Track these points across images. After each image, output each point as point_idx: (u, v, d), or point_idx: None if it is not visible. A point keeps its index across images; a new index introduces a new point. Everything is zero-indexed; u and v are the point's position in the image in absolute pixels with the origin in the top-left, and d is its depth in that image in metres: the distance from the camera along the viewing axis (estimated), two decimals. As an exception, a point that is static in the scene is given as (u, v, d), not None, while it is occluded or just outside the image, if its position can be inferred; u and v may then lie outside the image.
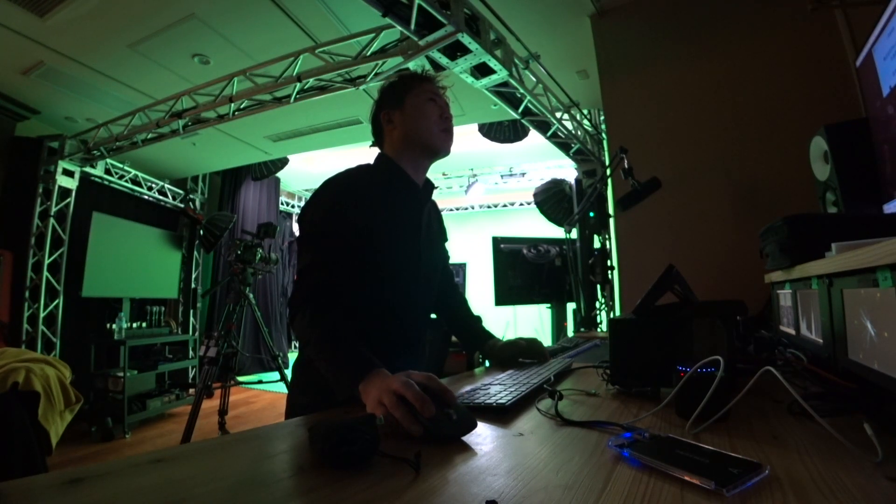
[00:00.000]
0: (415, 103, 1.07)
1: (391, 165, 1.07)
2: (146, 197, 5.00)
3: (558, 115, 3.30)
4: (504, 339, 1.23)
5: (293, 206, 8.01)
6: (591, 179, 3.78)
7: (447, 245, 1.28)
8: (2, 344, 3.31)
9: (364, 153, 5.89)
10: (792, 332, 1.07)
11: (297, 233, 8.27)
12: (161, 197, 5.17)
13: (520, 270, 3.24)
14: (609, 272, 3.39)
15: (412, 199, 1.08)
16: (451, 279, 1.32)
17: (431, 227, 1.15)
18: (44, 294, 3.76)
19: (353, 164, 1.08)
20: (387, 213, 1.01)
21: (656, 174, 2.00)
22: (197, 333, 5.32)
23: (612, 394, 0.84)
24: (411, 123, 1.06)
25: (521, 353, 1.19)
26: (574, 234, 3.05)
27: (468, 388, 0.84)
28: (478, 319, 1.29)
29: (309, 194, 8.10)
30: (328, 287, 0.91)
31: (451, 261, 1.35)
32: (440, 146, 1.08)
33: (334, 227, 0.95)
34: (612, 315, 3.37)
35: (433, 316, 1.23)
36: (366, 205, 0.97)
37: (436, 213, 1.21)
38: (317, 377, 0.85)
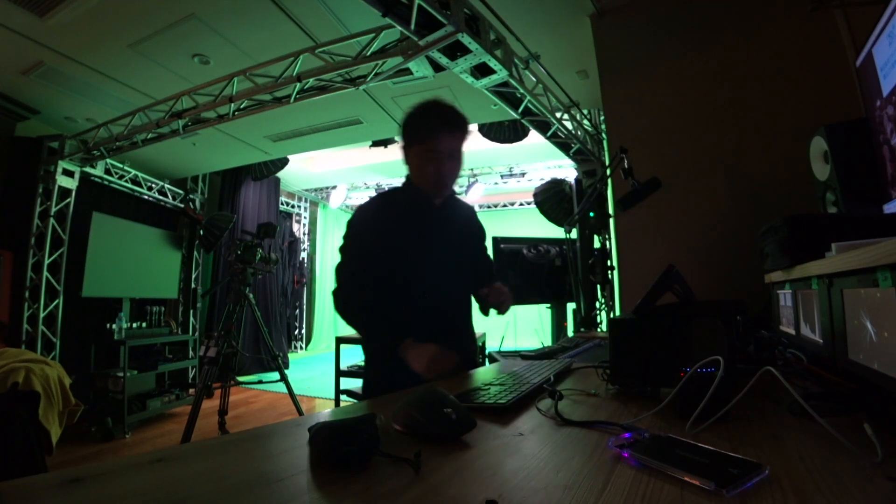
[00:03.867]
0: (415, 160, 1.25)
1: (408, 188, 1.31)
2: (146, 197, 5.00)
3: (558, 115, 3.30)
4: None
5: (293, 206, 8.01)
6: (591, 179, 3.78)
7: (482, 242, 1.49)
8: (2, 344, 3.31)
9: (364, 153, 5.90)
10: (792, 332, 1.07)
11: (296, 234, 8.26)
12: (161, 197, 5.16)
13: (520, 270, 3.23)
14: (609, 272, 3.39)
15: (426, 211, 1.30)
16: (487, 272, 1.46)
17: (456, 231, 1.35)
18: (44, 294, 3.75)
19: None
20: (404, 226, 1.25)
21: (656, 174, 2.00)
22: (197, 333, 5.32)
23: (612, 394, 0.84)
24: (414, 172, 1.28)
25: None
26: (574, 234, 3.05)
27: (468, 387, 0.84)
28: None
29: (309, 194, 8.13)
30: (357, 284, 1.22)
31: None
32: (436, 194, 1.29)
33: (360, 240, 1.23)
34: (612, 315, 3.37)
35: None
36: (386, 220, 1.25)
37: (466, 219, 1.41)
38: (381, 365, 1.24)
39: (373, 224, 1.25)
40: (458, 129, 1.23)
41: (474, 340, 1.46)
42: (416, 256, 1.25)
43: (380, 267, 1.22)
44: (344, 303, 1.23)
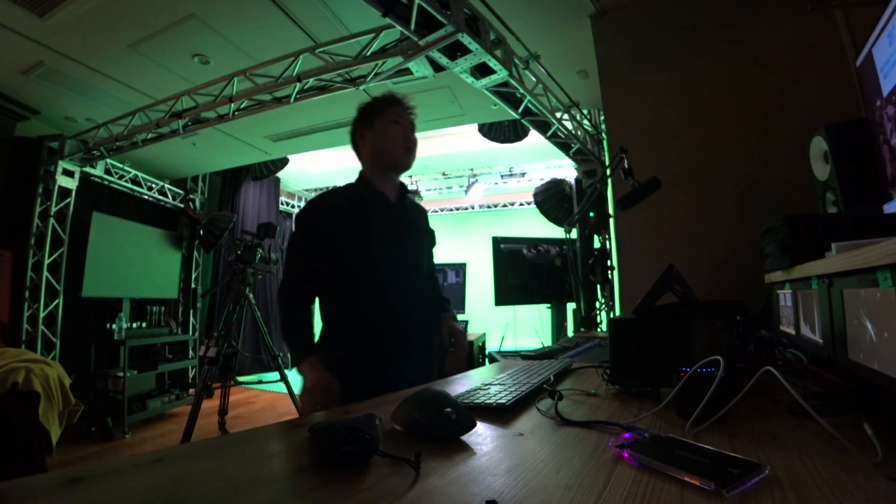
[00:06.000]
0: (382, 125, 1.27)
1: (362, 181, 1.30)
2: (146, 197, 5.00)
3: (558, 115, 3.30)
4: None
5: (293, 206, 8.00)
6: (591, 179, 3.78)
7: (433, 244, 1.46)
8: (2, 344, 3.31)
9: (364, 153, 5.90)
10: (792, 332, 1.07)
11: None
12: (161, 197, 5.16)
13: (520, 270, 3.23)
14: (609, 272, 3.39)
15: (382, 207, 1.28)
16: (433, 279, 1.48)
17: (410, 227, 1.34)
18: (44, 294, 3.75)
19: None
20: (356, 223, 1.23)
21: (656, 174, 1.99)
22: (197, 333, 5.32)
23: (612, 394, 0.84)
24: (378, 142, 1.27)
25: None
26: (574, 234, 3.05)
27: (468, 387, 0.84)
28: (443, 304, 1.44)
29: (309, 194, 8.13)
30: (293, 290, 1.21)
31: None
32: (402, 163, 1.29)
33: (307, 242, 1.22)
34: (612, 315, 3.37)
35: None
36: (337, 219, 1.22)
37: (417, 214, 1.41)
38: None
39: (326, 222, 1.22)
40: (411, 108, 1.31)
41: (430, 347, 1.36)
42: (376, 254, 1.23)
43: (335, 267, 1.20)
44: (283, 314, 1.23)
